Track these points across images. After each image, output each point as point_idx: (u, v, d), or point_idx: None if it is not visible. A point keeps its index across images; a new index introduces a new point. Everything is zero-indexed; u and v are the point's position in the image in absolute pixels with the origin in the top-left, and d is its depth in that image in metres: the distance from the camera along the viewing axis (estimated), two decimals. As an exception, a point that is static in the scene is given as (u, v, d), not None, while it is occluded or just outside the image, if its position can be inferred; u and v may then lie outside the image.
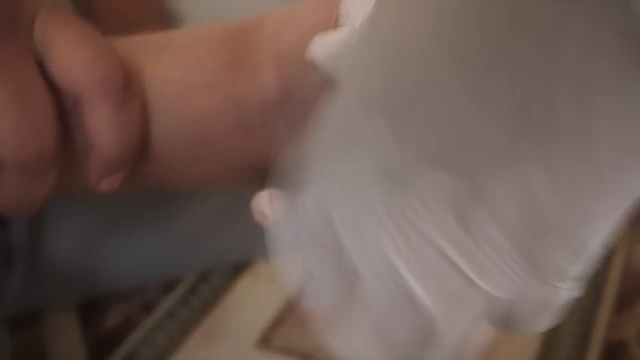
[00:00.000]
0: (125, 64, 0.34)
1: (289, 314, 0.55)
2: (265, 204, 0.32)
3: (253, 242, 0.57)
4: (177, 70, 0.36)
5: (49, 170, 0.32)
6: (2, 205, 0.33)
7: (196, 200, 0.54)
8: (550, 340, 0.52)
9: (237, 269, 0.59)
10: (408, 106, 0.24)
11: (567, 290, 0.27)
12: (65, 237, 0.50)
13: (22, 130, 0.31)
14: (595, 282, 0.56)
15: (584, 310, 0.54)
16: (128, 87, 0.34)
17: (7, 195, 0.32)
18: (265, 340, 0.53)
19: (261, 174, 0.37)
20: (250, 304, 0.56)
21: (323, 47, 0.33)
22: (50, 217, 0.49)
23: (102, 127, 0.33)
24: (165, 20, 0.59)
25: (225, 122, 0.35)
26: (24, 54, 0.32)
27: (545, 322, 0.28)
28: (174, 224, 0.54)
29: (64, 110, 0.33)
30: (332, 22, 0.34)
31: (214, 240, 0.56)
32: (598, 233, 0.25)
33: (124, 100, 0.33)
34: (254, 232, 0.55)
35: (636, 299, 0.54)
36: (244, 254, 0.59)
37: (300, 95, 0.35)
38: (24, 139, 0.31)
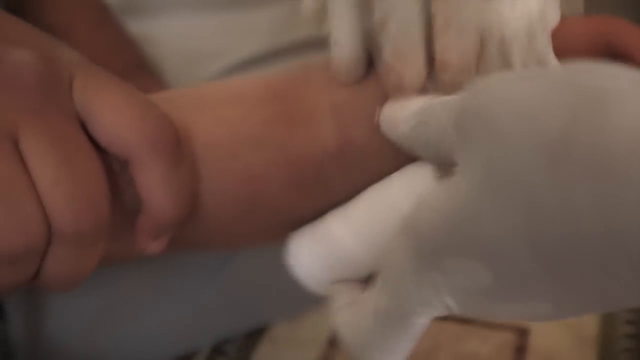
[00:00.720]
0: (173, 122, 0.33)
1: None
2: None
3: (267, 308, 0.55)
4: (223, 126, 0.34)
5: (101, 239, 0.30)
6: (50, 279, 0.30)
7: (206, 273, 0.51)
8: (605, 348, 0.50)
9: (251, 335, 0.55)
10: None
11: None
12: (69, 325, 0.47)
13: (77, 200, 0.28)
14: (635, 321, 0.54)
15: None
16: (179, 145, 0.32)
17: (57, 268, 0.30)
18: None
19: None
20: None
21: (394, 122, 0.32)
22: (53, 306, 0.46)
23: (156, 188, 0.31)
24: (132, 49, 0.57)
25: (278, 179, 0.34)
26: (69, 119, 0.30)
27: None
28: (185, 299, 0.51)
29: (113, 173, 0.32)
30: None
31: (227, 310, 0.53)
32: None
33: (176, 159, 0.31)
34: (268, 298, 0.54)
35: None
36: (258, 320, 0.56)
37: (358, 147, 0.34)
38: (80, 208, 0.29)
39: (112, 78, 0.32)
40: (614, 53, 0.39)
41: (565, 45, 0.36)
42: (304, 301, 0.56)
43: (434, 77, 0.33)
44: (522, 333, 0.53)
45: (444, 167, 0.29)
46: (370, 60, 0.35)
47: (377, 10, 0.32)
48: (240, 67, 0.57)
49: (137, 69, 0.55)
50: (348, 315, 0.31)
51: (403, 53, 0.32)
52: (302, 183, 0.34)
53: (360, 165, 0.34)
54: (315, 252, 0.34)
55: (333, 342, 0.54)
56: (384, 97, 0.33)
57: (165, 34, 0.58)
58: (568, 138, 0.24)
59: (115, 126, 0.30)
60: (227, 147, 0.34)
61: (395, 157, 0.33)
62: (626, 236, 0.23)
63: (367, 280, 0.33)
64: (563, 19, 0.33)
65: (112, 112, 0.30)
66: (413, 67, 0.32)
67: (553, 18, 0.33)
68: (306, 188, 0.34)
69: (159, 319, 0.51)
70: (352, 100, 0.34)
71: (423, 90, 0.33)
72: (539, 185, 0.24)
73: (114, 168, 0.32)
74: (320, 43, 0.59)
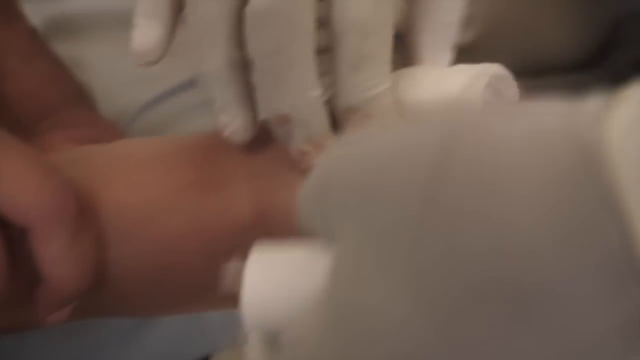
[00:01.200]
0: (76, 188, 0.32)
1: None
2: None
3: (211, 336, 0.54)
4: (134, 192, 0.33)
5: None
6: None
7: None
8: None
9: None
10: None
11: None
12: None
13: None
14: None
15: None
16: (81, 215, 0.31)
17: None
18: None
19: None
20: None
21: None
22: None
23: (55, 260, 0.30)
24: (68, 80, 0.55)
25: (190, 249, 0.33)
26: None
27: None
28: (125, 334, 0.50)
29: (11, 241, 0.31)
30: None
31: (169, 341, 0.52)
32: None
33: (78, 229, 0.31)
34: (210, 326, 0.53)
35: None
36: (202, 350, 0.55)
37: (275, 219, 0.32)
38: None
39: (15, 142, 0.31)
40: None
41: None
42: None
43: None
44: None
45: None
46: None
47: (279, 107, 0.31)
48: (178, 91, 0.56)
49: (74, 100, 0.54)
50: None
51: (316, 140, 0.31)
52: (215, 254, 0.33)
53: (279, 237, 0.31)
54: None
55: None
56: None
57: (96, 57, 0.57)
58: (442, 168, 0.21)
59: (14, 195, 0.29)
60: (137, 215, 0.33)
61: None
62: (524, 261, 0.20)
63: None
64: None
65: (11, 179, 0.30)
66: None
67: None
68: (220, 258, 0.32)
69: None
70: (270, 169, 0.33)
71: None
72: (419, 229, 0.21)
73: (13, 236, 0.31)
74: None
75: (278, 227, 0.32)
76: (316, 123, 0.31)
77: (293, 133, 0.31)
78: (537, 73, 0.56)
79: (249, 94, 0.32)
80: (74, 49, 0.57)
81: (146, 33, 0.32)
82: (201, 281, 0.33)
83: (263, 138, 0.33)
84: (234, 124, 0.32)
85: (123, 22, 0.57)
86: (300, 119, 0.31)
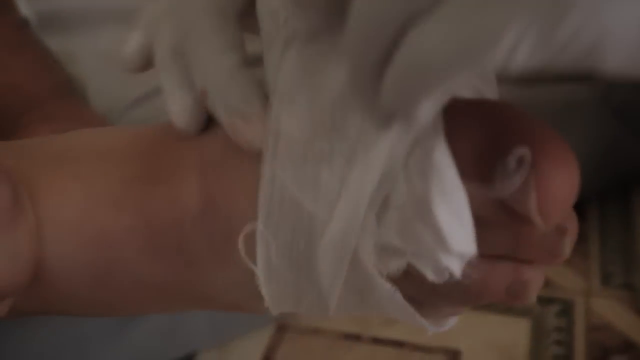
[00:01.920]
0: (13, 178, 0.30)
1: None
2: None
3: (195, 335, 0.54)
4: (77, 185, 0.31)
5: None
6: None
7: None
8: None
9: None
10: None
11: None
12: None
13: None
14: (565, 343, 0.54)
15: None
16: (16, 206, 0.29)
17: None
18: None
19: (188, 298, 0.32)
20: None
21: None
22: None
23: None
24: (56, 72, 0.55)
25: (135, 244, 0.31)
26: None
27: None
28: (110, 333, 0.50)
29: None
30: (264, 129, 0.30)
31: (154, 340, 0.52)
32: None
33: (11, 222, 0.29)
34: (195, 325, 0.53)
35: (608, 355, 0.53)
36: (186, 348, 0.55)
37: (223, 210, 0.30)
38: None
39: None
40: None
41: None
42: (231, 326, 0.56)
43: None
44: (454, 355, 0.53)
45: None
46: None
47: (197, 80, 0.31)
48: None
49: (60, 93, 0.53)
50: None
51: (239, 111, 0.30)
52: (161, 248, 0.31)
53: (227, 231, 0.30)
54: None
55: (264, 367, 0.53)
56: (258, 155, 0.30)
57: (87, 51, 0.56)
58: None
59: None
60: (79, 208, 0.31)
61: None
62: None
63: None
64: None
65: None
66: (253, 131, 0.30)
67: None
68: (166, 254, 0.31)
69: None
70: (220, 157, 0.31)
71: None
72: None
73: None
74: (253, 61, 0.58)
75: (227, 216, 0.30)
76: (233, 92, 0.30)
77: (215, 106, 0.30)
78: (529, 82, 0.56)
79: (188, 77, 0.32)
80: (66, 43, 0.56)
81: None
82: (149, 278, 0.32)
83: (214, 127, 0.32)
84: (175, 108, 0.31)
85: (114, 18, 0.57)
86: (214, 89, 0.30)
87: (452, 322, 0.30)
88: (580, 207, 0.29)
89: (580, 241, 0.30)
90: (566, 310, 0.57)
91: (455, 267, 0.26)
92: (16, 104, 0.50)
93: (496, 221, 0.27)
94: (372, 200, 0.27)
